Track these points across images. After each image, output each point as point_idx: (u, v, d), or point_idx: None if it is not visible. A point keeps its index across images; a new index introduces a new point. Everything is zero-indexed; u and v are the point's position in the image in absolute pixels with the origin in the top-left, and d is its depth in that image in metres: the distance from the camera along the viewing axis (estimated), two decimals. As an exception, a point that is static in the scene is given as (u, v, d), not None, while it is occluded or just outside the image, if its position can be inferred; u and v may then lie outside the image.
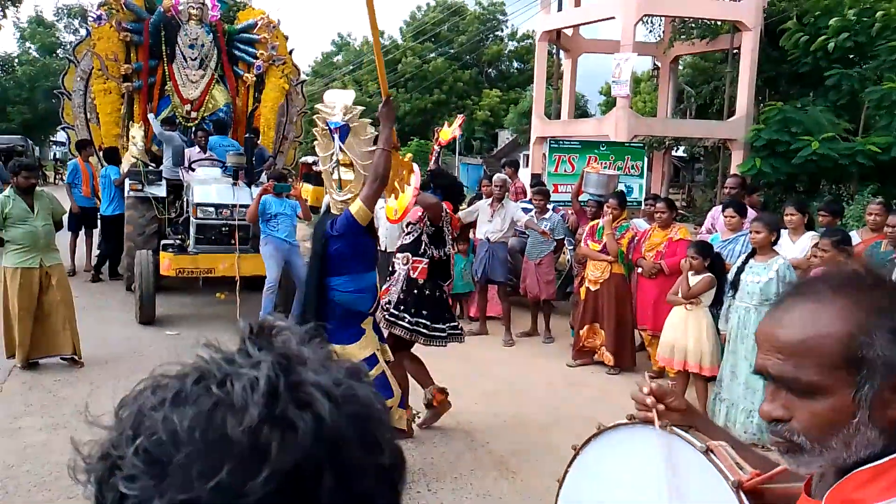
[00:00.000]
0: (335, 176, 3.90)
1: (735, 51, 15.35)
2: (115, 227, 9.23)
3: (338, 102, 3.86)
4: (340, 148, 3.81)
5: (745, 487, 1.22)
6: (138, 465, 0.52)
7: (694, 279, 5.50)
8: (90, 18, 9.75)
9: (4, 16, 20.44)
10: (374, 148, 3.81)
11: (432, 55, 31.56)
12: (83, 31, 11.48)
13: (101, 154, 9.67)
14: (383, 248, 7.89)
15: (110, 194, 9.26)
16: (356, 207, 3.82)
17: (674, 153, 20.53)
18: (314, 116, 3.92)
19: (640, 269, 6.46)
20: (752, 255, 5.13)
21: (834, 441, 0.96)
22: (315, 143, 4.00)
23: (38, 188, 5.93)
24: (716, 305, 5.53)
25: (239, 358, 0.58)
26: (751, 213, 6.65)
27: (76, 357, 5.98)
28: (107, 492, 0.54)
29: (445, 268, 4.82)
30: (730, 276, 5.30)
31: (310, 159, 23.28)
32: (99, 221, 9.55)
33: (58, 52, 37.01)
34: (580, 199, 7.66)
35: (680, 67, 19.28)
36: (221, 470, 0.50)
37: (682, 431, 1.39)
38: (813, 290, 1.01)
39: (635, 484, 1.52)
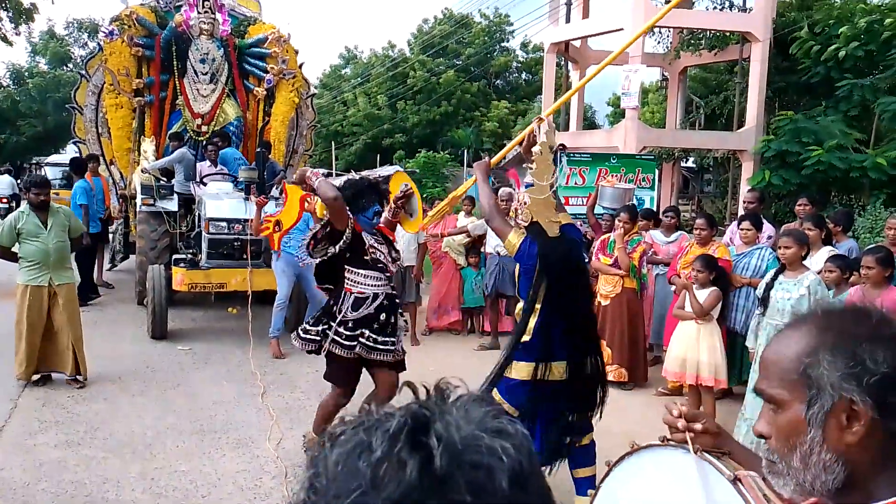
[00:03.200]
0: (552, 199, 3.80)
1: (744, 61, 15.34)
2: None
3: (548, 128, 3.80)
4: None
5: None
6: (306, 489, 0.66)
7: (700, 293, 5.47)
8: (102, 34, 9.82)
9: (18, 32, 20.55)
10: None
11: (441, 68, 31.64)
12: (92, 45, 11.54)
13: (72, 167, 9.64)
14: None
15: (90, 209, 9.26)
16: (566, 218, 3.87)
17: (683, 164, 20.48)
18: (536, 148, 3.76)
19: (673, 287, 6.33)
20: (780, 270, 5.04)
21: (794, 458, 1.06)
22: (531, 172, 3.80)
23: (54, 205, 5.92)
24: (720, 318, 5.55)
25: (398, 411, 0.67)
26: (767, 226, 6.61)
27: (78, 378, 5.91)
28: None
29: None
30: (759, 292, 5.24)
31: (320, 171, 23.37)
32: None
33: (68, 63, 37.28)
34: (594, 212, 7.64)
35: (688, 80, 19.25)
36: (350, 495, 0.61)
37: (711, 457, 1.40)
38: (794, 322, 1.14)
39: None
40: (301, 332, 4.51)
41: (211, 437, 4.98)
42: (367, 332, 4.32)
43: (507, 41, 34.62)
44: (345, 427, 0.68)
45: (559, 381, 3.67)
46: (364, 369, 4.54)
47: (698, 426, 1.41)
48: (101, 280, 9.83)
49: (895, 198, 12.08)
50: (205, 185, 8.39)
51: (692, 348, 5.49)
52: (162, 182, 8.77)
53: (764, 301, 5.03)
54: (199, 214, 8.11)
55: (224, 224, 7.52)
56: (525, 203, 3.77)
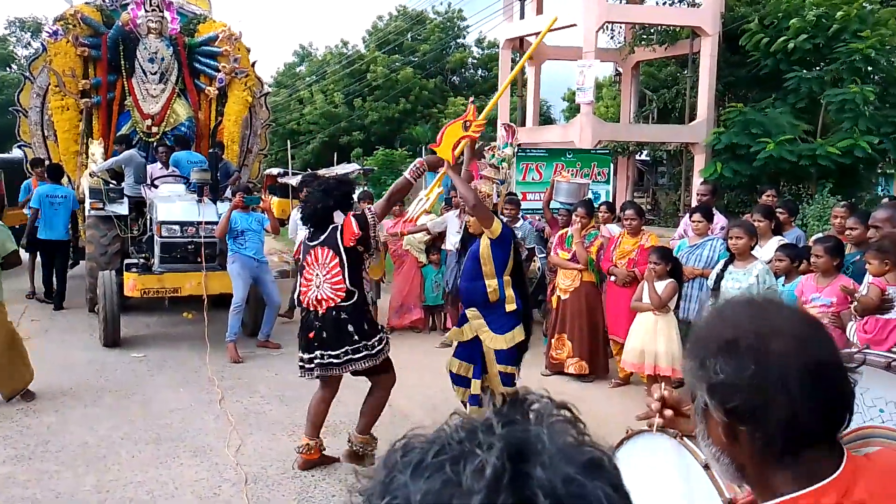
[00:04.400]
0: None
1: (694, 56, 15.62)
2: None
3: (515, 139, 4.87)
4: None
5: None
6: None
7: (657, 285, 5.56)
8: (46, 34, 9.52)
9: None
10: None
11: (397, 65, 31.57)
12: (36, 45, 11.24)
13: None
14: None
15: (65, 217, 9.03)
16: None
17: (637, 157, 20.78)
18: (509, 150, 4.83)
19: (612, 278, 6.44)
20: (730, 261, 5.16)
21: (702, 443, 1.12)
22: (503, 173, 4.80)
23: None
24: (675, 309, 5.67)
25: (481, 433, 0.61)
26: (719, 218, 6.74)
27: (28, 391, 5.66)
28: None
29: None
30: (709, 283, 5.35)
31: (274, 171, 23.09)
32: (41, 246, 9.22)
33: (11, 65, 36.11)
34: (550, 207, 7.69)
35: (641, 74, 19.52)
36: None
37: (690, 443, 1.43)
38: None
39: (654, 489, 1.58)
40: (371, 350, 4.38)
41: (168, 445, 4.87)
42: None
43: (463, 37, 34.71)
44: (422, 448, 0.61)
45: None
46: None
47: (668, 412, 1.43)
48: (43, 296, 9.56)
49: (841, 186, 12.44)
50: (156, 187, 8.21)
51: (650, 339, 5.57)
52: (111, 185, 8.54)
53: (715, 291, 5.14)
54: (150, 218, 7.94)
55: (177, 227, 7.36)
56: (491, 196, 4.66)
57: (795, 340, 1.00)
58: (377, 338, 4.41)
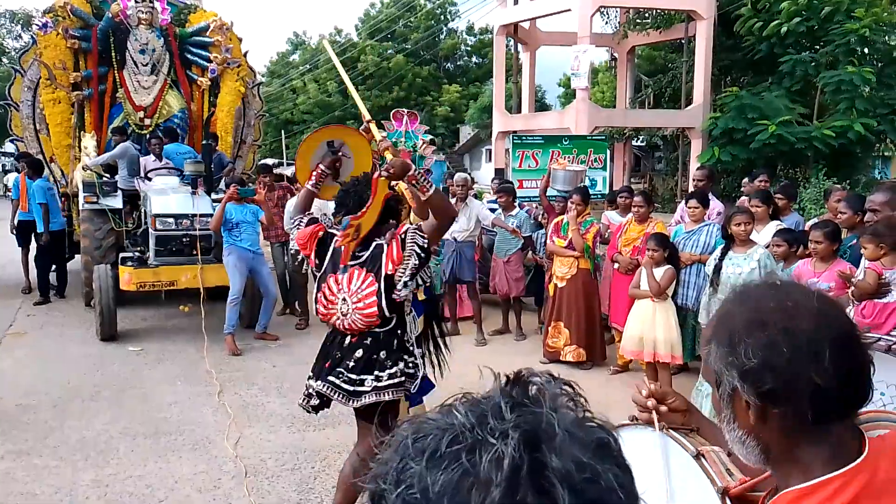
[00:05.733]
0: None
1: (690, 40, 15.55)
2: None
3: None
4: None
5: (731, 494, 1.29)
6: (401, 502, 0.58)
7: (656, 272, 5.55)
8: (35, 26, 9.42)
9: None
10: None
11: (390, 52, 31.40)
12: (26, 38, 11.15)
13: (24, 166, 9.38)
14: None
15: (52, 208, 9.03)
16: None
17: (633, 142, 20.73)
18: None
19: (616, 265, 6.41)
20: (728, 246, 5.14)
21: (725, 428, 1.14)
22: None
23: None
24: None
25: (492, 419, 0.60)
26: (715, 203, 6.72)
27: None
28: None
29: None
30: (707, 269, 5.33)
31: (269, 162, 22.99)
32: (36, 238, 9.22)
33: (1, 58, 35.80)
34: (547, 195, 7.66)
35: (636, 59, 19.43)
36: None
37: (677, 434, 1.42)
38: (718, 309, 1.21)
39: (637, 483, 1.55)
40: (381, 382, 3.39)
41: (166, 439, 4.86)
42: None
43: (454, 21, 34.57)
44: (435, 435, 0.60)
45: None
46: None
47: (664, 408, 1.43)
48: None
49: (837, 168, 12.43)
50: (150, 180, 8.17)
51: (648, 326, 5.56)
52: (105, 179, 8.49)
53: (714, 277, 5.12)
54: (144, 211, 7.89)
55: (171, 220, 7.32)
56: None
57: (821, 316, 1.04)
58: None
